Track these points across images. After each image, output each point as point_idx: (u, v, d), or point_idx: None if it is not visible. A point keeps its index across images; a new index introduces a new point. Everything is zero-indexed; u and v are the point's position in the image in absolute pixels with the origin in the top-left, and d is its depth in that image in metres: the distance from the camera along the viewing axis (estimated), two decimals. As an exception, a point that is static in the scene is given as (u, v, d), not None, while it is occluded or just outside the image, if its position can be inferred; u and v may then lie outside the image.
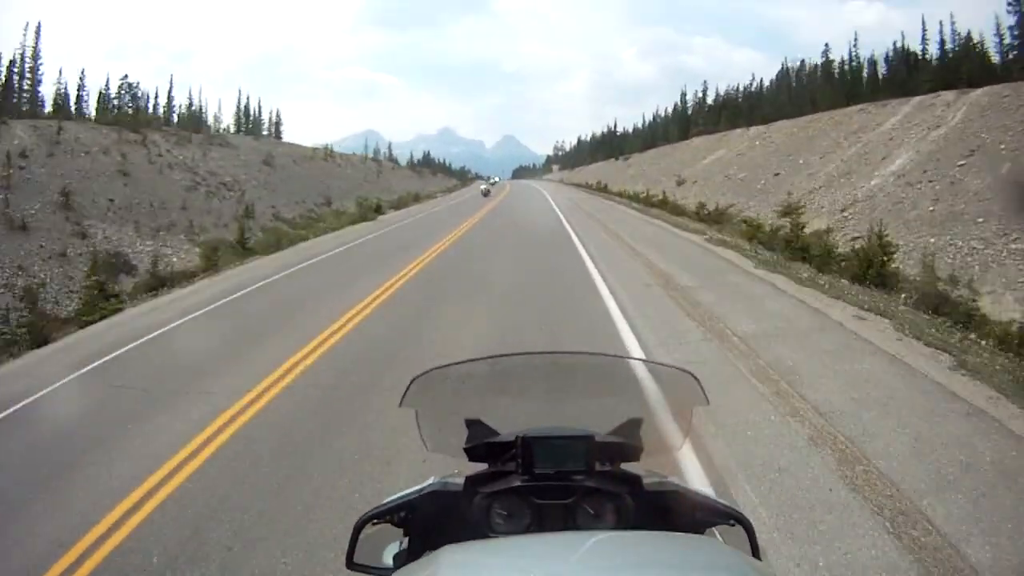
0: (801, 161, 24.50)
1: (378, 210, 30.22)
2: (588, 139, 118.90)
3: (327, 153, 45.83)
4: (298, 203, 31.79)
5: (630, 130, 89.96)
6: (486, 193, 45.54)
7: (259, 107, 62.59)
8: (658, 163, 44.09)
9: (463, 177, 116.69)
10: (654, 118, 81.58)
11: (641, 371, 1.59)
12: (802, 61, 51.78)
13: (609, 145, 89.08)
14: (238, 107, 56.97)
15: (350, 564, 1.18)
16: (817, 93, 41.57)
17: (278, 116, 62.70)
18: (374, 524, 1.20)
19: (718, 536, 1.19)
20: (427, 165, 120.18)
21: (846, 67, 42.35)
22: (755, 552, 1.14)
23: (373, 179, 48.02)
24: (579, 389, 1.45)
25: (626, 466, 1.21)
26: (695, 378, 1.31)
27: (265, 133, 57.91)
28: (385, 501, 1.21)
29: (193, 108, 51.58)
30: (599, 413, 1.28)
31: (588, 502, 1.17)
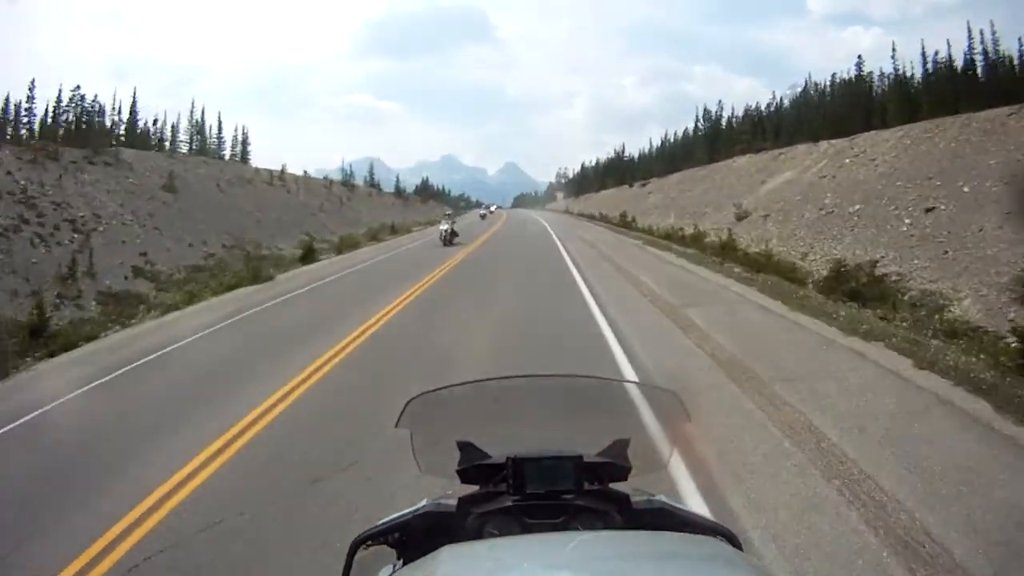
0: (964, 187, 15.03)
1: (306, 257, 20.87)
2: (592, 165, 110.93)
3: (274, 176, 36.70)
4: (201, 244, 22.52)
5: (636, 155, 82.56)
6: (483, 216, 48.72)
7: (219, 124, 52.83)
8: (691, 189, 34.87)
9: (459, 205, 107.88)
10: (663, 142, 73.37)
11: (628, 393, 1.66)
12: (825, 78, 42.84)
13: (617, 170, 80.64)
14: (192, 123, 48.08)
15: None
16: (889, 103, 32.92)
17: (244, 135, 53.62)
18: (368, 546, 1.21)
19: None
20: (424, 192, 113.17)
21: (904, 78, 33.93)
22: None
23: (335, 208, 38.80)
24: (568, 411, 1.50)
25: (615, 485, 1.25)
26: (677, 397, 1.40)
27: (226, 153, 49.29)
28: (379, 523, 1.24)
29: (147, 124, 43.24)
30: (587, 434, 1.34)
31: (578, 521, 1.19)
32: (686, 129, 68.32)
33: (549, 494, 1.20)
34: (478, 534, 1.19)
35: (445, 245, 23.40)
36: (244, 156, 53.65)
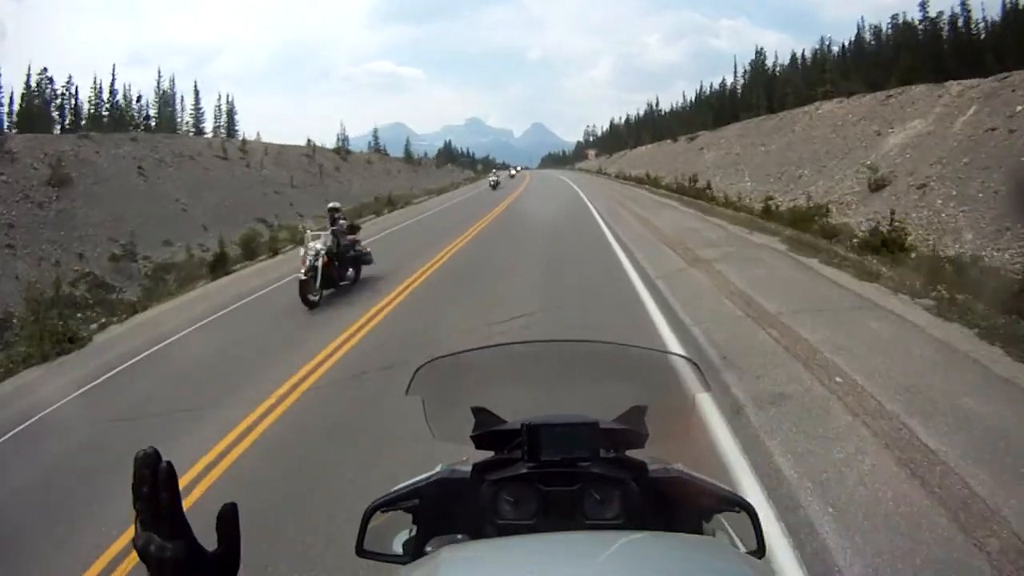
0: None
1: (218, 266, 13.85)
2: (623, 121, 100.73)
3: (237, 145, 29.69)
4: (76, 258, 15.83)
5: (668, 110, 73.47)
6: (495, 186, 36.80)
7: (195, 95, 45.11)
8: (764, 144, 26.47)
9: (485, 167, 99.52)
10: (697, 94, 64.18)
11: (646, 358, 1.59)
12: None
13: (652, 125, 71.45)
14: (159, 96, 41.25)
15: (360, 552, 1.17)
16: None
17: (230, 105, 46.63)
18: (383, 512, 1.20)
19: (724, 523, 1.24)
20: (447, 155, 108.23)
21: None
22: (759, 539, 1.16)
23: (312, 182, 31.66)
24: (584, 376, 1.46)
25: (631, 453, 1.22)
26: (697, 365, 1.38)
27: (208, 128, 42.59)
28: (393, 489, 1.22)
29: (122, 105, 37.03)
30: (604, 400, 1.30)
31: (594, 488, 1.16)
32: (723, 80, 59.33)
33: (564, 461, 1.16)
34: (492, 500, 1.17)
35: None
36: (230, 130, 47.09)
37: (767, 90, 41.83)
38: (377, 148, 56.42)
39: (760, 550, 1.17)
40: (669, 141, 46.18)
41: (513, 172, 62.22)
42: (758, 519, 1.17)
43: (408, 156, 59.37)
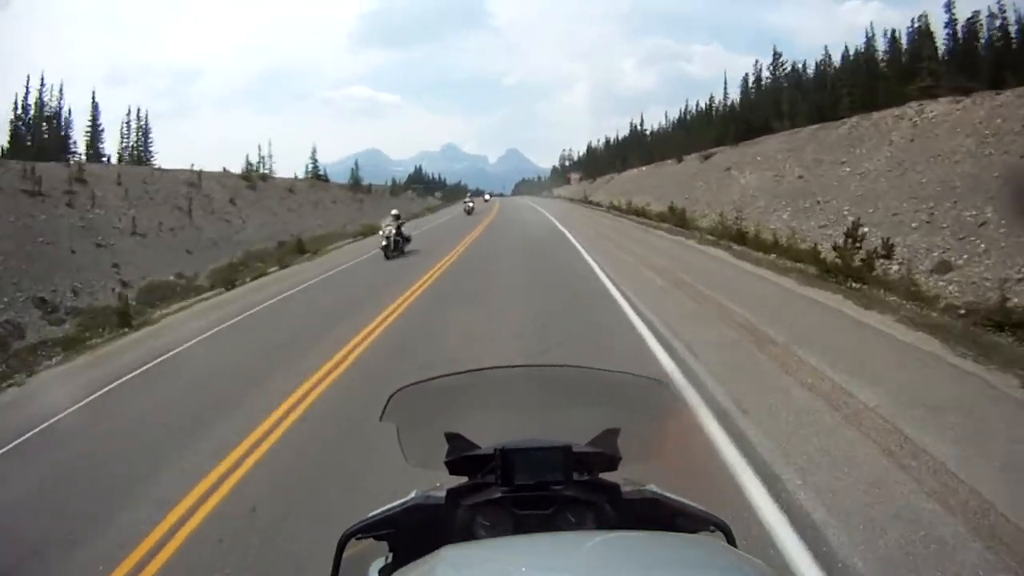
0: None
1: None
2: (602, 144, 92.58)
3: (72, 174, 19.63)
4: None
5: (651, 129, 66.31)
6: (470, 211, 35.48)
7: (94, 112, 34.75)
8: (844, 162, 17.46)
9: (451, 194, 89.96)
10: (683, 113, 56.92)
11: (618, 382, 1.52)
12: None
13: (639, 146, 63.28)
14: (37, 112, 31.52)
15: None
16: None
17: (143, 124, 37.06)
18: (358, 539, 1.20)
19: None
20: (417, 181, 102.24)
21: None
22: None
23: (180, 224, 21.72)
24: (557, 401, 1.47)
25: (605, 475, 1.23)
26: (667, 387, 1.48)
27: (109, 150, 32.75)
28: (368, 516, 1.22)
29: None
30: (577, 424, 1.29)
31: (569, 512, 1.17)
32: (711, 98, 51.99)
33: (538, 485, 1.17)
34: (468, 526, 1.17)
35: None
36: (143, 153, 37.22)
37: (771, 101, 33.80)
38: (316, 175, 46.69)
39: None
40: (670, 162, 37.50)
41: (486, 198, 56.62)
42: (734, 538, 1.16)
43: (356, 182, 49.64)
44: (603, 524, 1.16)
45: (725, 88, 59.12)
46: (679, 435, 2.69)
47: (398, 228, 17.05)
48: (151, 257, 18.14)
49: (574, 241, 17.85)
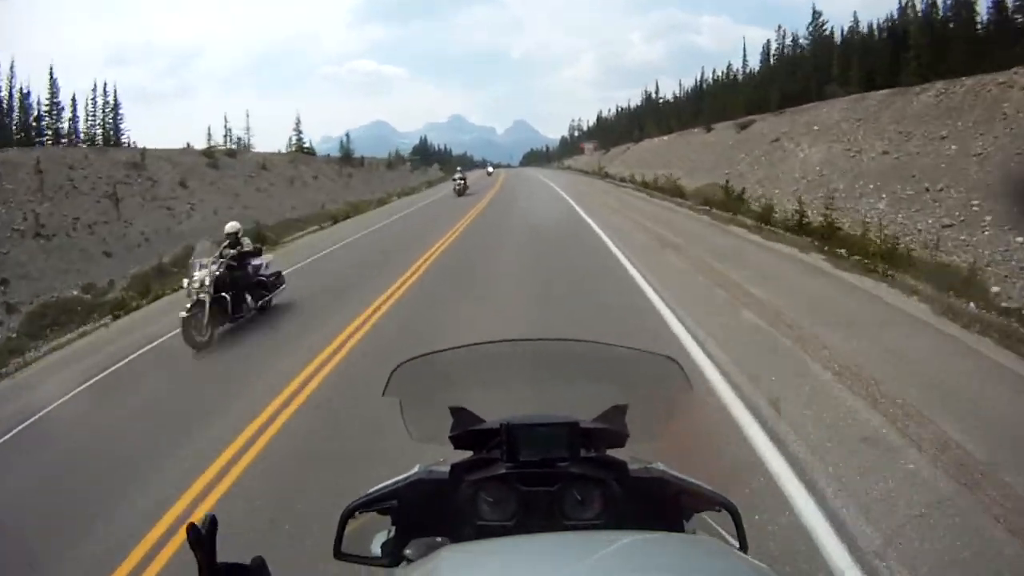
0: None
1: None
2: (613, 113, 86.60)
3: None
4: None
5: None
6: (461, 191, 28.52)
7: (52, 89, 30.47)
8: (945, 136, 13.20)
9: (452, 166, 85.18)
10: (699, 82, 52.74)
11: (626, 357, 1.45)
12: None
13: (656, 114, 58.29)
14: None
15: (338, 554, 1.14)
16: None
17: (113, 104, 33.65)
18: (361, 514, 1.17)
19: (708, 521, 1.21)
20: (422, 153, 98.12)
21: None
22: (741, 537, 1.13)
23: (104, 218, 17.73)
24: (564, 376, 1.43)
25: (612, 452, 1.20)
26: (678, 364, 1.32)
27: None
28: (371, 490, 1.19)
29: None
30: (584, 399, 1.27)
31: (574, 488, 1.15)
32: (729, 66, 47.92)
33: (544, 461, 1.15)
34: (471, 501, 1.15)
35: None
36: (113, 132, 33.40)
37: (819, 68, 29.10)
38: (301, 147, 42.51)
39: (742, 549, 1.10)
40: (697, 131, 32.92)
41: (489, 170, 50.88)
42: (740, 518, 1.14)
43: (346, 155, 45.30)
44: (609, 502, 1.14)
45: (744, 54, 54.08)
46: (689, 413, 2.65)
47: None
48: (56, 265, 14.33)
49: (596, 228, 13.63)
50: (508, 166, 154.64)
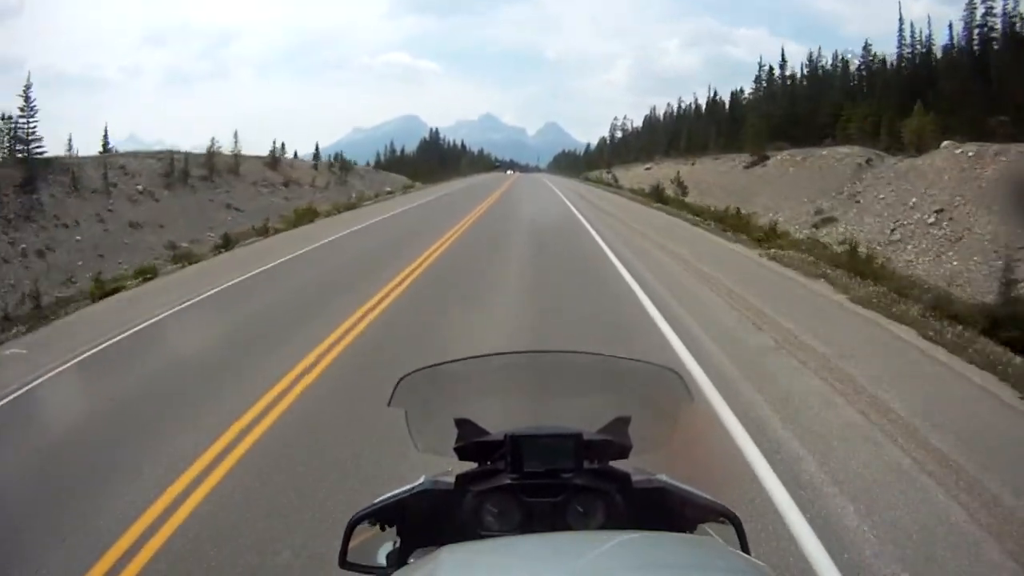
0: None
1: None
2: (662, 115, 74.63)
3: None
4: None
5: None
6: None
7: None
8: None
9: (472, 167, 77.27)
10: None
11: (629, 369, 1.51)
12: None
13: (731, 120, 48.93)
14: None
15: (343, 564, 1.16)
16: None
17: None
18: (366, 524, 1.18)
19: (710, 533, 1.20)
20: (453, 150, 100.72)
21: None
22: (744, 547, 1.13)
23: None
24: (567, 387, 1.43)
25: (615, 464, 1.21)
26: (679, 376, 1.35)
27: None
28: (376, 500, 1.20)
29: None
30: (587, 411, 1.27)
31: (578, 500, 1.16)
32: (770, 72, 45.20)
33: (548, 472, 1.16)
34: (476, 512, 1.16)
35: None
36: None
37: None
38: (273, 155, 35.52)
39: None
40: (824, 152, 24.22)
41: (509, 171, 46.83)
42: (743, 529, 1.14)
43: (334, 160, 37.57)
44: (612, 513, 1.14)
45: (780, 68, 44.97)
46: (692, 425, 2.73)
47: None
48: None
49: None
50: (537, 168, 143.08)
